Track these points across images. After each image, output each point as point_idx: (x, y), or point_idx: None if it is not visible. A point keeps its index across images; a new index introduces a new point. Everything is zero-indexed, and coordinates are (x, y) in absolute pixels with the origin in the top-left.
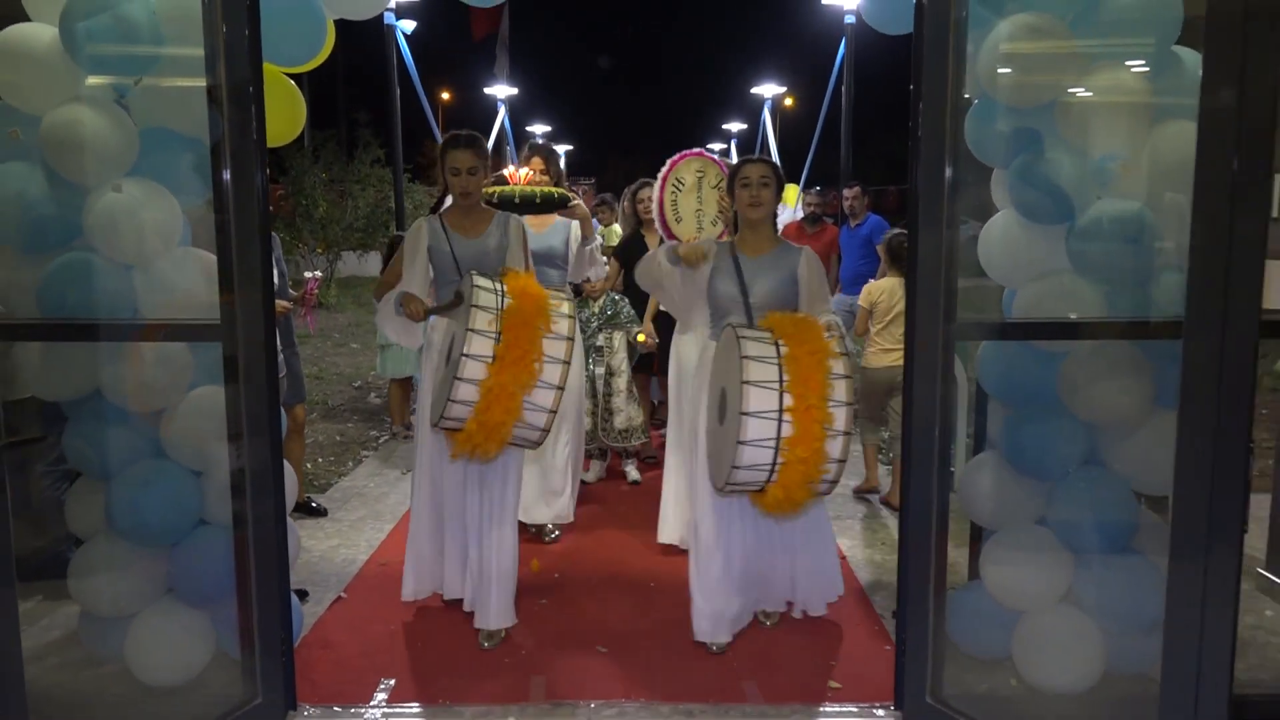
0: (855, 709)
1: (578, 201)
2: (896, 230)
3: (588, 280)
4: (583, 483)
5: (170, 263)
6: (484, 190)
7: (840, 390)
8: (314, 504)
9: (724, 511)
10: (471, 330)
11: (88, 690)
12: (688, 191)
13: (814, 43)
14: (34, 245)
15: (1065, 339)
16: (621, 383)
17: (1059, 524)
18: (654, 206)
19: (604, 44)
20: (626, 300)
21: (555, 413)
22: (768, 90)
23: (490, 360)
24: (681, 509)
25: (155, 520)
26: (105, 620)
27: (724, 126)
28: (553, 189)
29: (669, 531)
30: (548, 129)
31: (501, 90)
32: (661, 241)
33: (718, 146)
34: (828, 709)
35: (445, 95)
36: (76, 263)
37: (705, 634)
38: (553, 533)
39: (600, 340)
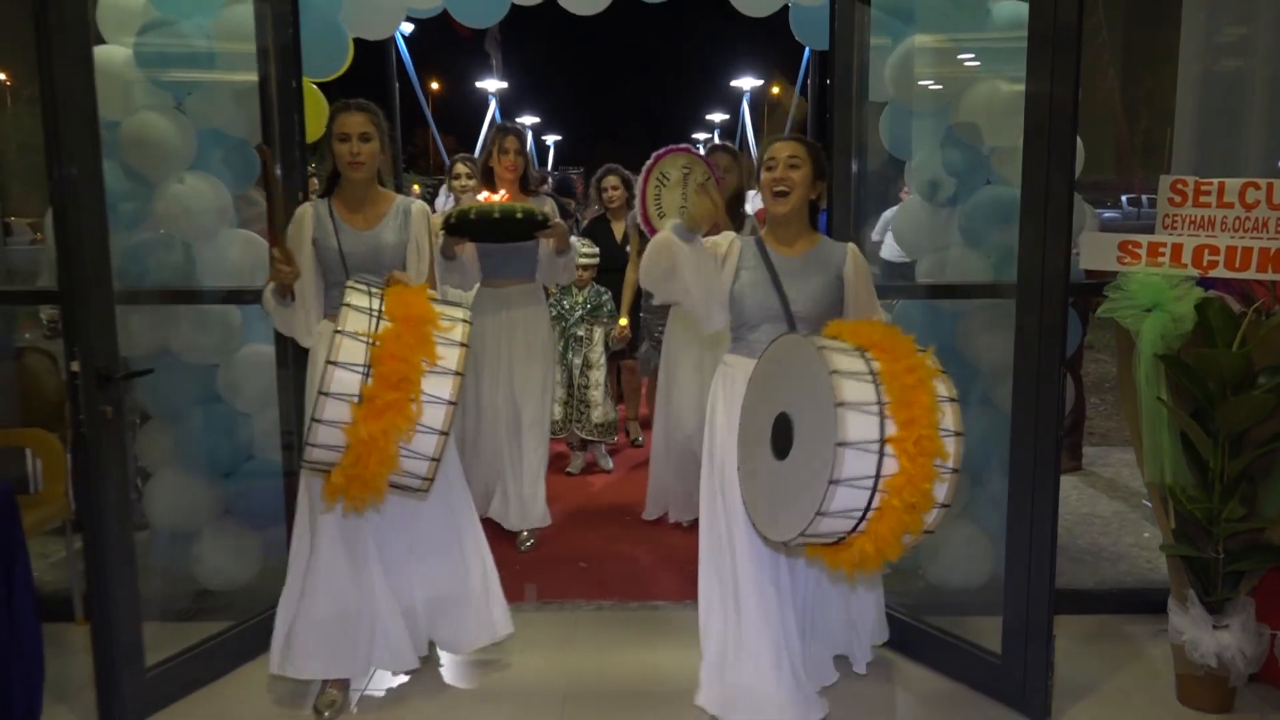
0: None
1: (558, 219)
2: None
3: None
4: (566, 474)
5: (223, 240)
6: (459, 208)
7: (949, 417)
8: None
9: (767, 566)
10: (332, 363)
11: (157, 595)
12: (672, 186)
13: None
14: (114, 228)
15: (952, 299)
16: (598, 376)
17: None
18: (637, 200)
19: (592, 36)
20: (610, 294)
21: (438, 460)
22: (746, 83)
23: (356, 400)
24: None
25: (213, 454)
26: (172, 537)
27: (708, 117)
28: (533, 207)
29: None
30: (536, 120)
31: (492, 84)
32: (641, 234)
33: (702, 136)
34: None
35: (434, 85)
36: (150, 241)
37: None
38: (528, 540)
39: (581, 331)
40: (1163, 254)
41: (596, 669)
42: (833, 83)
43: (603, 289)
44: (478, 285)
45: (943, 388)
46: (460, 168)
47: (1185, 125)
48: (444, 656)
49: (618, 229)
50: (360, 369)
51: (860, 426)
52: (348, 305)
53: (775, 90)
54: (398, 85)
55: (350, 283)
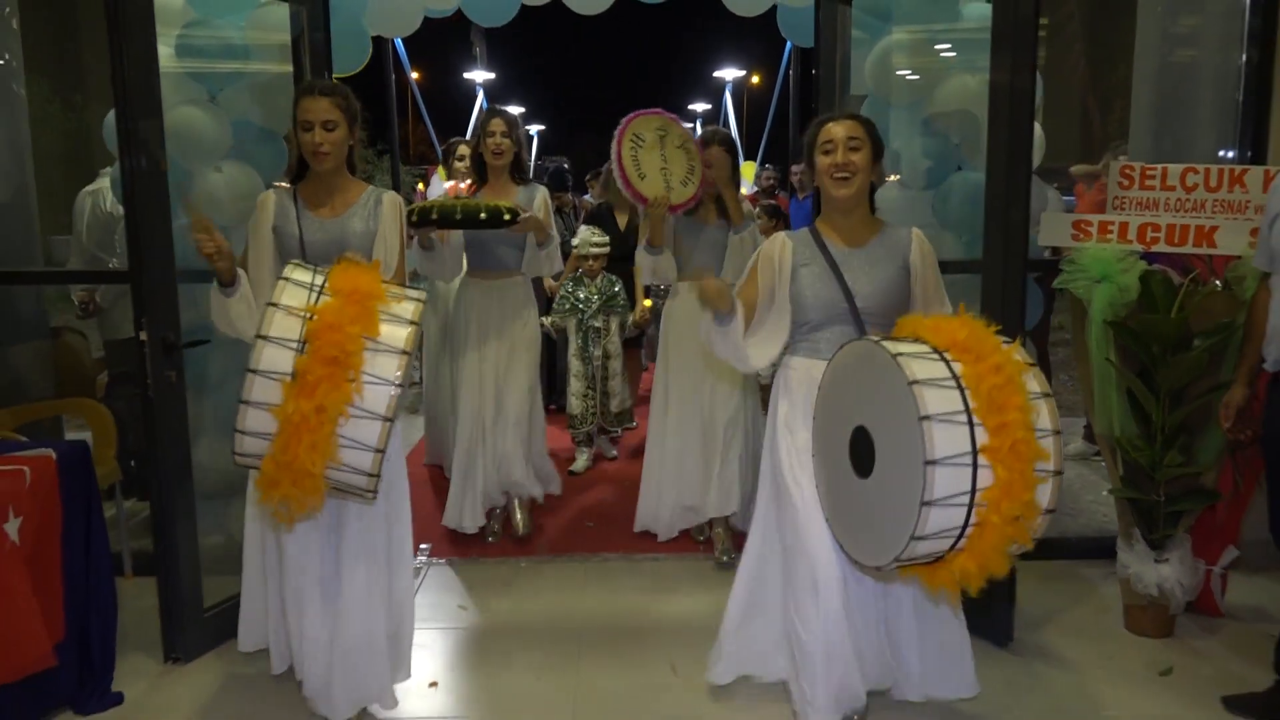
0: None
1: (528, 214)
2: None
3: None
4: (571, 474)
5: None
6: (422, 204)
7: (1044, 415)
8: None
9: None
10: (262, 337)
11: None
12: (649, 148)
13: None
14: None
15: None
16: (617, 365)
17: None
18: (614, 164)
19: (575, 27)
20: (622, 283)
21: (383, 452)
22: (728, 74)
23: (289, 378)
24: (664, 499)
25: None
26: (214, 499)
27: (690, 107)
28: (500, 203)
29: (645, 519)
30: (521, 110)
31: (479, 75)
32: (632, 208)
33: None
34: None
35: (415, 75)
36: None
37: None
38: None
39: (598, 322)
40: (1111, 231)
41: (607, 611)
42: (818, 76)
43: (614, 278)
44: (462, 275)
45: (1034, 383)
46: (464, 149)
47: (1141, 113)
48: (468, 598)
49: (621, 219)
50: (294, 344)
51: (949, 440)
52: (285, 279)
53: (755, 81)
54: (394, 77)
55: (292, 262)
